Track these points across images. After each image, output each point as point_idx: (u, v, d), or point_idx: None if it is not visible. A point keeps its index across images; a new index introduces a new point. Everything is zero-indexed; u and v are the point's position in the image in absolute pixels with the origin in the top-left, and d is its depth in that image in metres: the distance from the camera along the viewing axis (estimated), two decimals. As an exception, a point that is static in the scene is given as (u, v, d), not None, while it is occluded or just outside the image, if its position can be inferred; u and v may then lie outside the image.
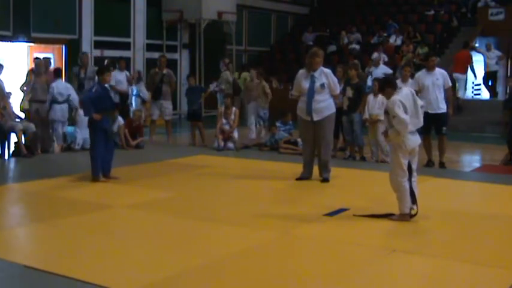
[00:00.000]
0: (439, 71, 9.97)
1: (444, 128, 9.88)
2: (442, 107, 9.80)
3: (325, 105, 8.46)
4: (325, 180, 8.57)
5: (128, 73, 13.67)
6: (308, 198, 7.76)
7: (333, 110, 8.62)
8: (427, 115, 9.41)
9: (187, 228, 6.26)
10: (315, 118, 8.43)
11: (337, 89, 8.75)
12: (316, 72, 8.46)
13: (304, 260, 5.23)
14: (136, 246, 5.53)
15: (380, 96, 9.48)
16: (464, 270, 5.01)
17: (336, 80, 8.76)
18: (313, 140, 8.58)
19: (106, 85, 8.85)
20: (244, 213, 6.80)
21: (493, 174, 9.70)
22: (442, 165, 9.93)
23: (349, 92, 10.32)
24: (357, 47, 19.84)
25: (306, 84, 8.47)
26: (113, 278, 4.64)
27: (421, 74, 10.01)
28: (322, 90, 8.41)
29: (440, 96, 9.78)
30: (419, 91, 9.74)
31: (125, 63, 13.56)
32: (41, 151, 10.91)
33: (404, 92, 6.48)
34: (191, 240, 5.84)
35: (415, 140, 6.42)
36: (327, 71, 8.59)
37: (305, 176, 8.68)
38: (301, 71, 8.68)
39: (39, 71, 11.06)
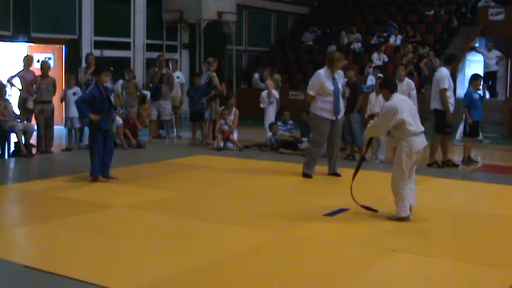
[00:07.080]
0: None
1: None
2: None
3: (343, 105, 9.06)
4: (338, 174, 8.97)
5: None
6: (308, 198, 7.76)
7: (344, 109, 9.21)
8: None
9: (187, 228, 6.26)
10: (339, 117, 8.88)
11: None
12: (336, 74, 8.86)
13: (304, 260, 5.22)
14: (136, 246, 5.53)
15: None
16: (464, 270, 5.00)
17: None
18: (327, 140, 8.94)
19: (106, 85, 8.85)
20: (244, 213, 6.80)
21: (493, 174, 9.71)
22: (443, 164, 9.94)
23: (347, 92, 10.33)
24: (358, 45, 19.82)
25: (330, 85, 8.68)
26: (113, 278, 4.64)
27: None
28: (342, 90, 9.03)
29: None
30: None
31: (176, 64, 13.58)
32: (42, 151, 10.95)
33: (401, 96, 6.70)
34: (191, 240, 5.84)
35: (420, 142, 6.41)
36: (341, 72, 9.10)
37: (310, 173, 8.86)
38: (323, 72, 8.78)
39: (45, 72, 11.16)
